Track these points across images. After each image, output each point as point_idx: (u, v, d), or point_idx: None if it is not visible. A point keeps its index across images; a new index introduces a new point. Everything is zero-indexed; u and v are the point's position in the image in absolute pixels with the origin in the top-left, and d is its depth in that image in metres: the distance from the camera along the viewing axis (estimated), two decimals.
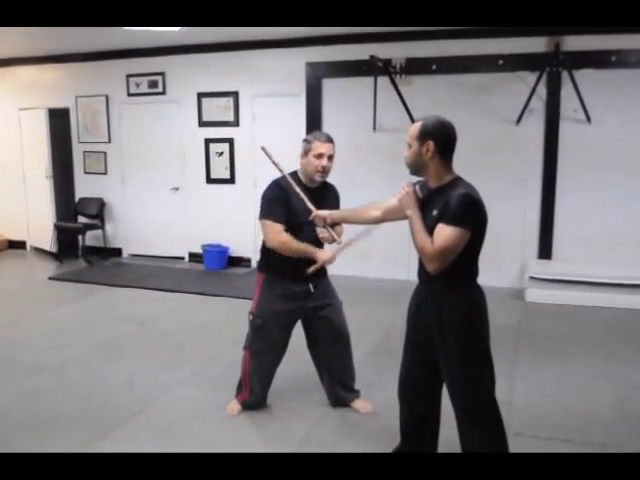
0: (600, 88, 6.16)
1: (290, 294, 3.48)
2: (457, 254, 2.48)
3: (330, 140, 3.42)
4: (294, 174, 3.46)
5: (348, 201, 3.61)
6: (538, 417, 3.65)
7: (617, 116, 6.21)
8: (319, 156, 3.36)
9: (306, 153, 3.40)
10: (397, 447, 3.03)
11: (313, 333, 3.65)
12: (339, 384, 3.74)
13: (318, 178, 3.42)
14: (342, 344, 3.66)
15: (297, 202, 3.37)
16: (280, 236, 3.34)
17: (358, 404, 3.73)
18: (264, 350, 3.57)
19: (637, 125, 6.17)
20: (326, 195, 3.56)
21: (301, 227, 3.39)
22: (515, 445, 2.77)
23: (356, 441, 3.37)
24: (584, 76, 6.15)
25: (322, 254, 3.37)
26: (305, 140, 3.45)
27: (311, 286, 3.51)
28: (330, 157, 3.40)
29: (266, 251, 3.50)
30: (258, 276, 3.60)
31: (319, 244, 3.43)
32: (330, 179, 3.56)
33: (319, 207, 3.35)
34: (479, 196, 2.52)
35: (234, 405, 3.74)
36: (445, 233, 2.44)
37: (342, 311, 3.69)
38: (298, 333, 3.65)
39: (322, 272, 3.52)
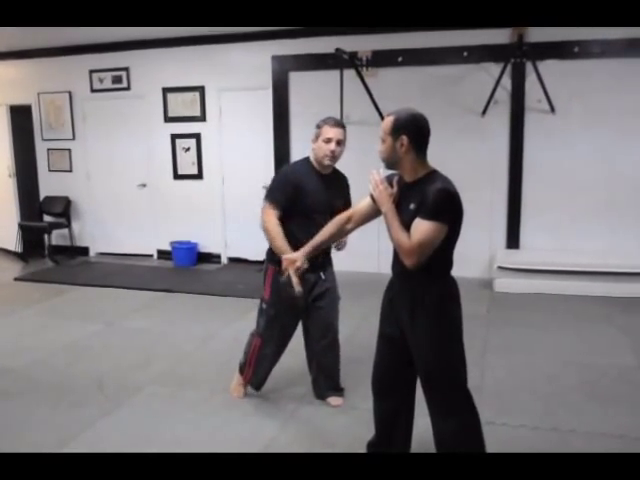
0: (563, 78, 6.24)
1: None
2: (434, 248, 2.48)
3: (339, 125, 3.43)
4: (306, 160, 3.52)
5: None
6: (508, 405, 3.69)
7: (581, 106, 6.29)
8: (328, 140, 3.39)
9: (317, 138, 3.43)
10: (371, 439, 3.03)
11: (307, 323, 3.68)
12: (326, 377, 3.74)
13: (327, 162, 3.43)
14: (330, 337, 3.66)
15: (311, 190, 3.41)
16: (268, 220, 3.35)
17: (332, 399, 3.73)
18: (276, 337, 3.63)
19: (600, 114, 6.26)
20: (338, 182, 3.59)
21: (310, 217, 3.38)
22: (486, 434, 2.79)
23: (329, 434, 3.37)
24: (548, 67, 6.23)
25: (289, 256, 3.03)
26: (316, 125, 3.47)
27: (322, 274, 3.53)
28: (339, 142, 3.41)
29: None
30: (267, 267, 3.56)
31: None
32: None
33: (331, 192, 3.44)
34: (456, 190, 2.50)
35: (239, 387, 3.83)
36: (423, 228, 2.43)
37: (337, 305, 3.68)
38: None
39: (328, 260, 3.59)
